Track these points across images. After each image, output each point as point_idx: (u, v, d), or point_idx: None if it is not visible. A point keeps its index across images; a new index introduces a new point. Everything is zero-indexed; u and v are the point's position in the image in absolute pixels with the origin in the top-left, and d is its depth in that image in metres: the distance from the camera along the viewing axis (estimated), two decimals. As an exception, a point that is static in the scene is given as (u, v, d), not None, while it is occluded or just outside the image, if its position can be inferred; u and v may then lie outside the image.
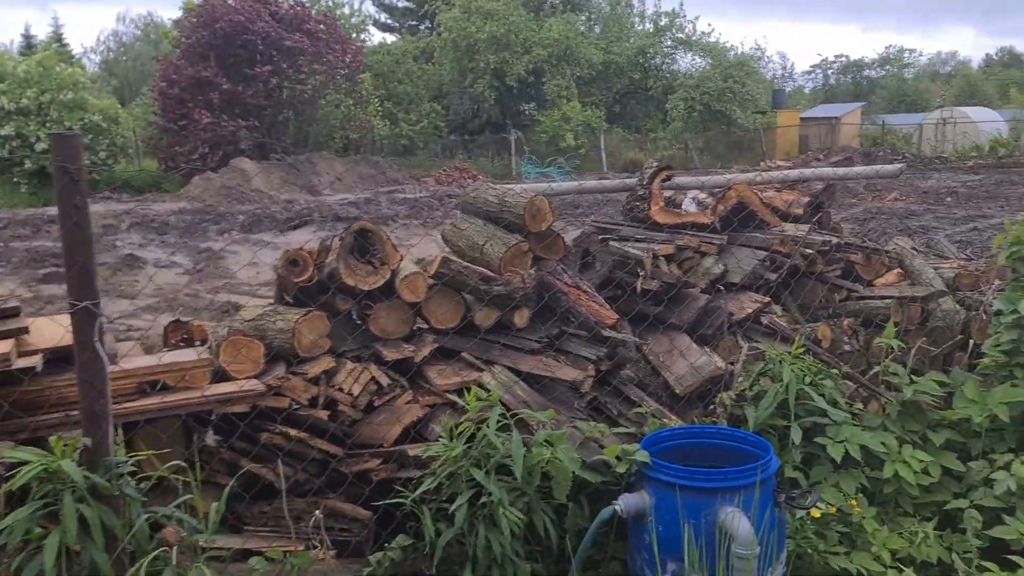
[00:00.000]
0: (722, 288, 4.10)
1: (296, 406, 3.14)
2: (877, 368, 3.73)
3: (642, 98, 38.56)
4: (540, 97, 35.44)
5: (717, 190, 4.37)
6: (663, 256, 3.98)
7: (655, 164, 4.29)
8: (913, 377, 3.71)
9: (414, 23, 40.14)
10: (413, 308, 3.53)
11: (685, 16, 42.20)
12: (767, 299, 3.90)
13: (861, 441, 3.45)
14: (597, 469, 3.07)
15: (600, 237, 3.85)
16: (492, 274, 3.45)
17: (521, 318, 3.57)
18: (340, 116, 26.07)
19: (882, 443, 3.55)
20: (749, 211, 4.28)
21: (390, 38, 42.14)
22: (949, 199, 20.18)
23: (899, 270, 4.60)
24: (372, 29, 48.31)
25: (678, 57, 39.22)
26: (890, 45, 65.81)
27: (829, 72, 54.25)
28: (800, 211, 4.39)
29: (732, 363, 3.63)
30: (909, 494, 3.54)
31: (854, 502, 3.30)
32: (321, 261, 3.49)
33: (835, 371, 3.60)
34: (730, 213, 4.26)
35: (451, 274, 3.43)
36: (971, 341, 4.11)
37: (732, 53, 39.54)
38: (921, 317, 4.24)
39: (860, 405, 3.70)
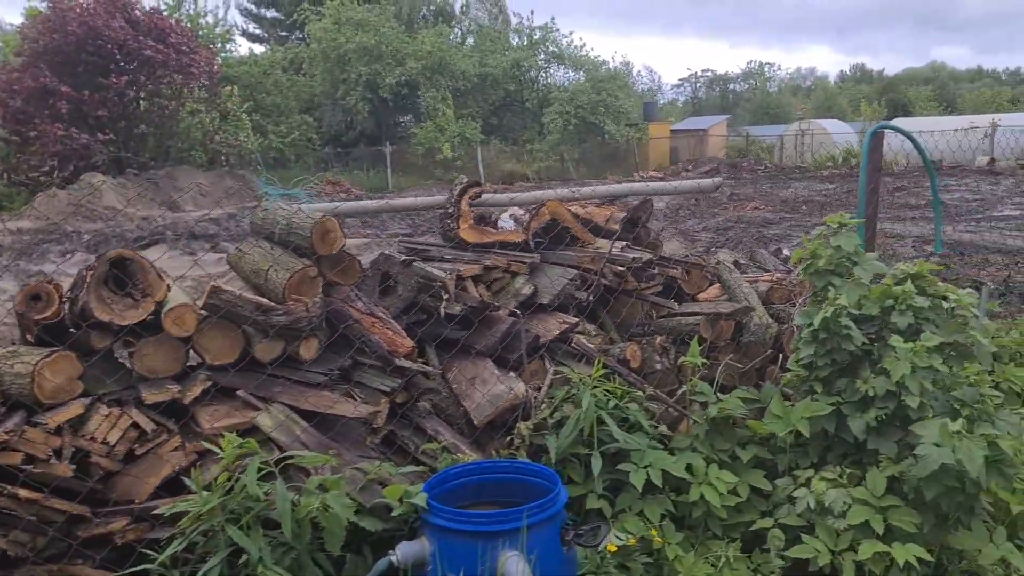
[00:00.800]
0: (542, 308, 3.96)
1: (32, 461, 2.75)
2: (685, 387, 3.66)
3: (518, 110, 38.89)
4: (416, 109, 35.18)
5: (534, 208, 4.22)
6: (470, 277, 3.79)
7: (464, 180, 4.10)
8: (720, 395, 3.66)
9: (284, 33, 39.04)
10: (186, 344, 3.19)
11: (559, 31, 43.02)
12: (575, 319, 3.77)
13: (664, 465, 3.36)
14: (378, 515, 2.83)
15: (403, 259, 3.62)
16: (270, 303, 3.16)
17: (309, 350, 3.29)
18: (203, 129, 24.93)
19: (689, 465, 3.47)
20: (563, 228, 4.15)
21: (259, 48, 40.93)
22: (804, 207, 21.15)
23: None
24: (239, 39, 46.80)
25: (552, 71, 39.83)
26: (751, 60, 69.31)
27: (697, 85, 56.48)
28: (616, 227, 4.30)
29: (538, 388, 3.47)
30: (718, 516, 3.47)
31: (654, 532, 3.19)
32: (75, 295, 3.10)
33: (640, 392, 3.50)
34: (543, 230, 4.13)
35: (223, 305, 3.12)
36: (780, 355, 4.12)
37: (604, 67, 40.49)
38: (734, 332, 4.22)
39: (667, 426, 3.61)
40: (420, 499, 2.70)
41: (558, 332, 3.67)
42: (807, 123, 38.62)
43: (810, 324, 3.47)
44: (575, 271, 3.93)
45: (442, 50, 34.05)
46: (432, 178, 32.40)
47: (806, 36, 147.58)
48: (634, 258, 3.99)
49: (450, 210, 3.98)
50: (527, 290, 3.84)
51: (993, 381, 4.58)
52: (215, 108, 25.24)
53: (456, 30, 42.45)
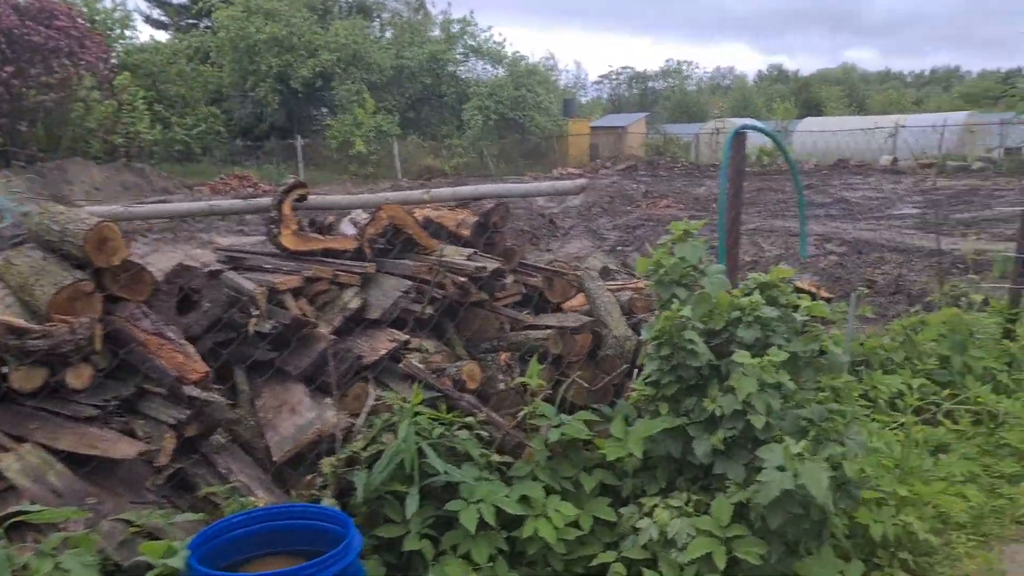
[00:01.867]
0: (375, 324, 3.57)
1: None
2: (526, 409, 3.34)
3: (437, 105, 38.32)
4: (331, 102, 34.25)
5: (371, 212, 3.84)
6: (291, 290, 3.38)
7: (289, 180, 3.69)
8: (565, 416, 3.36)
9: (191, 21, 37.50)
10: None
11: (477, 24, 42.59)
12: (405, 337, 3.40)
13: (496, 500, 3.03)
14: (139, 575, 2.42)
15: (208, 270, 3.20)
16: (25, 325, 2.70)
17: (79, 378, 2.84)
18: (97, 119, 23.65)
19: (524, 496, 3.15)
20: (404, 234, 3.79)
21: (162, 36, 39.24)
22: (714, 205, 21.33)
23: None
24: (142, 26, 44.92)
25: (471, 65, 39.40)
26: (669, 59, 70.06)
27: (615, 82, 56.78)
28: (467, 232, 3.96)
29: (355, 416, 3.10)
30: (557, 552, 3.17)
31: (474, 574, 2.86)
32: None
33: (472, 418, 3.16)
34: (381, 236, 3.75)
35: (-38, 328, 2.64)
36: (636, 370, 3.84)
37: (524, 62, 40.25)
38: (592, 346, 3.93)
39: (510, 453, 3.28)
40: (178, 559, 2.30)
41: (385, 351, 3.30)
42: (722, 122, 39.20)
43: (655, 338, 3.19)
44: (410, 282, 3.56)
45: (357, 42, 33.23)
46: (347, 173, 31.59)
47: (725, 35, 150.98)
48: (478, 267, 3.65)
49: (273, 214, 3.57)
50: (355, 304, 3.45)
51: (862, 389, 4.43)
52: (111, 97, 23.97)
53: (375, 22, 41.59)
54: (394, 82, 36.11)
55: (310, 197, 3.71)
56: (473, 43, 38.84)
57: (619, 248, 13.45)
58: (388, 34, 40.46)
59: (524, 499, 3.14)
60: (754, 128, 4.26)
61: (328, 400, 3.10)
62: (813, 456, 2.87)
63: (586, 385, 3.55)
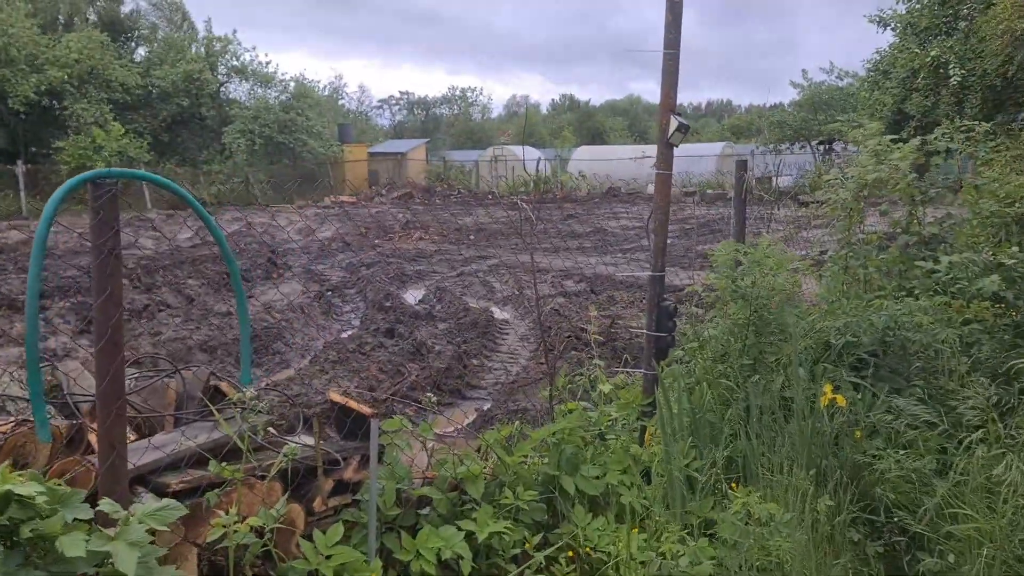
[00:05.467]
0: None
1: None
2: None
3: (196, 128, 35.24)
4: (65, 123, 30.33)
5: None
6: None
7: None
8: None
9: None
10: None
11: (240, 44, 39.96)
12: None
13: None
14: None
15: None
16: None
17: None
18: None
19: None
20: None
21: None
22: (472, 237, 20.38)
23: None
24: None
25: (234, 87, 36.71)
26: (453, 86, 70.02)
27: (396, 108, 55.65)
28: None
29: None
30: None
31: None
32: None
33: None
34: None
35: None
36: None
37: (295, 84, 38.09)
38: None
39: None
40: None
41: None
42: (500, 148, 39.03)
43: None
44: None
45: (93, 58, 29.70)
46: (84, 203, 27.94)
47: (520, 65, 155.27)
48: None
49: None
50: None
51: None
52: None
53: (132, 36, 37.76)
54: (143, 102, 32.77)
55: None
56: (236, 63, 36.20)
57: (332, 291, 11.90)
58: (141, 51, 36.88)
59: None
60: (119, 174, 2.81)
61: None
62: None
63: None
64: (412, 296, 11.90)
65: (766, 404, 3.98)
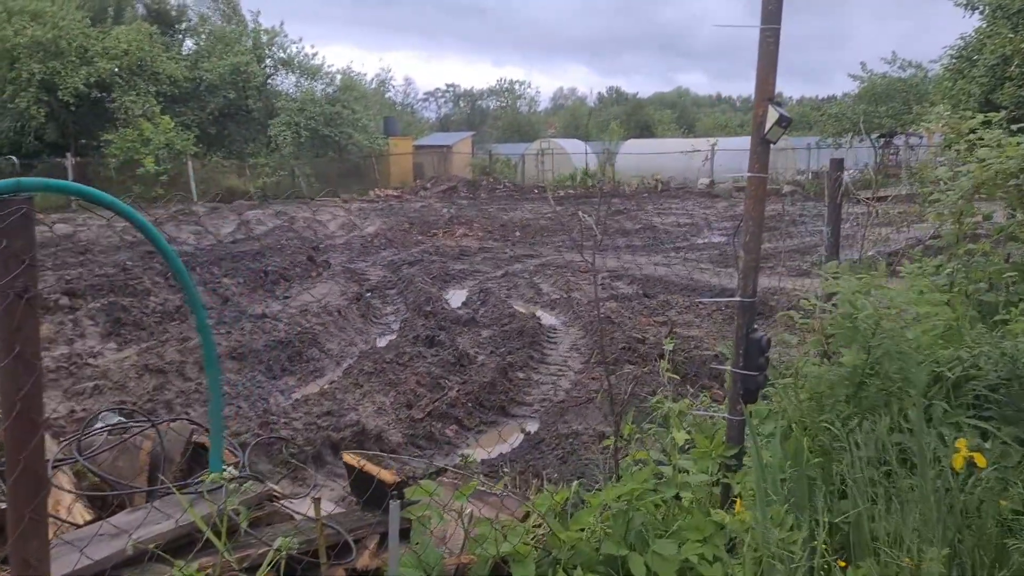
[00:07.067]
0: None
1: None
2: None
3: (243, 120, 35.13)
4: (114, 116, 30.42)
5: None
6: None
7: None
8: None
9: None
10: None
11: (287, 36, 39.83)
12: None
13: None
14: None
15: None
16: None
17: None
18: None
19: None
20: None
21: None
22: (518, 233, 19.72)
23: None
24: None
25: (281, 79, 36.54)
26: (502, 78, 69.10)
27: (442, 101, 55.14)
28: None
29: None
30: None
31: None
32: None
33: None
34: None
35: None
36: None
37: (342, 76, 37.81)
38: None
39: None
40: None
41: None
42: (547, 142, 38.25)
43: None
44: None
45: (142, 50, 29.69)
46: (131, 196, 27.96)
47: (565, 57, 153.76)
48: None
49: None
50: None
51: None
52: None
53: (181, 28, 37.83)
54: (191, 95, 32.74)
55: None
56: (283, 55, 36.02)
57: (372, 291, 11.37)
58: (189, 43, 36.88)
59: None
60: (36, 186, 2.18)
61: None
62: None
63: None
64: (455, 298, 11.30)
65: (874, 457, 3.28)
